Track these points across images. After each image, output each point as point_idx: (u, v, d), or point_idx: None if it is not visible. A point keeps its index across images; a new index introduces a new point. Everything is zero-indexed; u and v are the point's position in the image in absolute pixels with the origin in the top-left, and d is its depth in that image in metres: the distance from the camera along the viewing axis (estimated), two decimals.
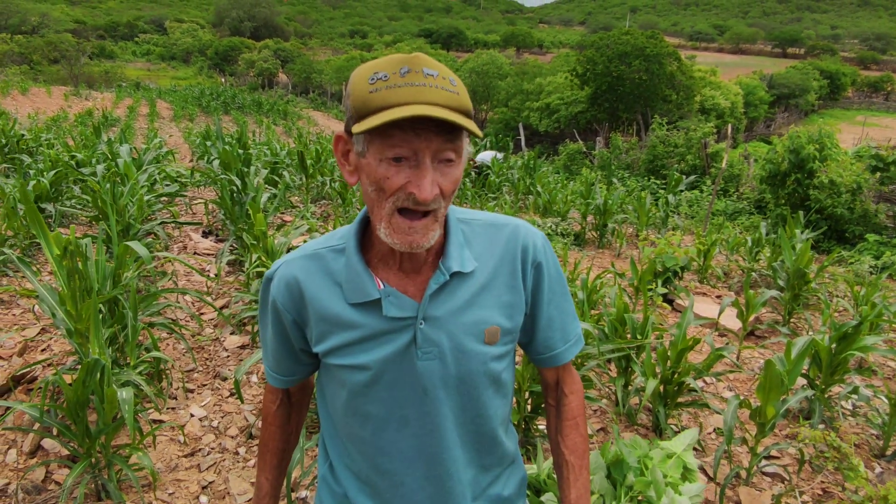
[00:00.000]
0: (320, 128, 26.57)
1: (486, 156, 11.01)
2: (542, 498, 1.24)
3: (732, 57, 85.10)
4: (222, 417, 2.95)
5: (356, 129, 0.87)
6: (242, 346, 3.70)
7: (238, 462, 2.63)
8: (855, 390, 3.15)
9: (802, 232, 6.37)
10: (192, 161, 11.61)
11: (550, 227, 7.88)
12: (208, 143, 8.86)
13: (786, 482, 2.72)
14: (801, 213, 7.13)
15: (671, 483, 1.28)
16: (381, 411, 1.03)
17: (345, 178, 0.97)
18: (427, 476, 1.06)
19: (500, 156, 11.37)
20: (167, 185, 6.03)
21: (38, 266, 4.53)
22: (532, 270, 1.08)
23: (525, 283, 1.08)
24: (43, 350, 3.41)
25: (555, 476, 1.29)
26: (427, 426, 1.04)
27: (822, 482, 2.74)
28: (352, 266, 1.01)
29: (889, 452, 3.05)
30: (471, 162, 11.60)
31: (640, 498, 1.24)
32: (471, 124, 0.87)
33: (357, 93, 0.88)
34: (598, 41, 26.97)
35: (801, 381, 3.59)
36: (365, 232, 1.06)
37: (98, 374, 2.14)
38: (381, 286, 1.00)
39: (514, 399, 2.70)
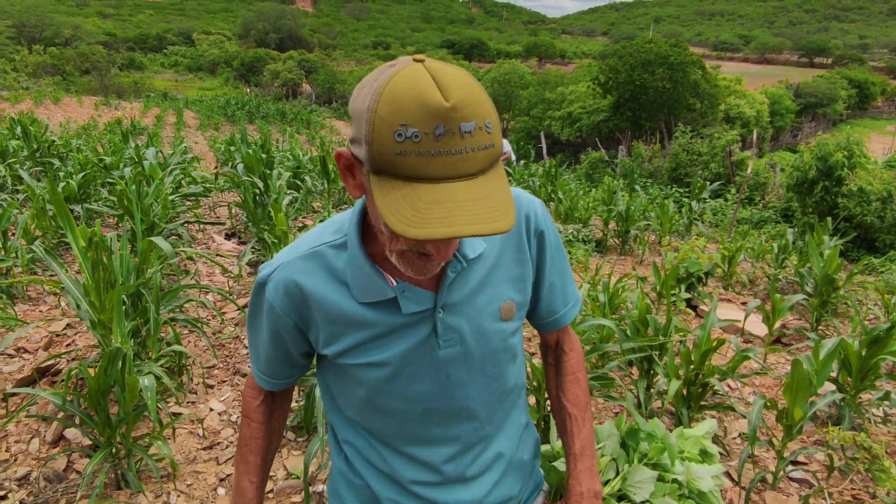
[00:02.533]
0: (342, 137, 26.82)
1: (505, 145, 11.28)
2: (555, 463, 1.24)
3: (758, 67, 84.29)
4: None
5: (377, 194, 0.76)
6: None
7: None
8: (886, 396, 3.05)
9: (831, 238, 6.25)
10: (216, 167, 11.78)
11: (572, 233, 7.83)
12: (232, 149, 8.98)
13: (814, 487, 2.64)
14: (829, 219, 6.98)
15: (689, 458, 1.26)
16: (404, 404, 1.02)
17: (347, 190, 0.88)
18: (455, 454, 1.05)
19: (506, 148, 11.54)
20: (192, 187, 6.11)
21: (66, 265, 4.61)
22: (535, 239, 1.08)
23: (531, 253, 1.07)
24: (68, 345, 3.46)
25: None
26: (452, 409, 1.03)
27: (852, 488, 2.66)
28: (358, 265, 0.95)
29: None
30: None
31: (654, 463, 1.22)
32: (509, 215, 0.76)
33: (379, 141, 0.74)
34: (621, 50, 26.87)
35: (831, 386, 3.50)
36: (364, 223, 0.99)
37: (120, 363, 2.16)
38: (394, 283, 0.95)
39: (535, 398, 2.67)
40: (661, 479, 1.20)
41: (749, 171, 9.09)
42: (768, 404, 2.59)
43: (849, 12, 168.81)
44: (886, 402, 3.17)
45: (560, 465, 1.23)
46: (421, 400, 1.01)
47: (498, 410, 1.09)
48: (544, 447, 1.32)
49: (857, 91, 47.08)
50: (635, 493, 1.18)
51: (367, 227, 0.98)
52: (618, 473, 1.22)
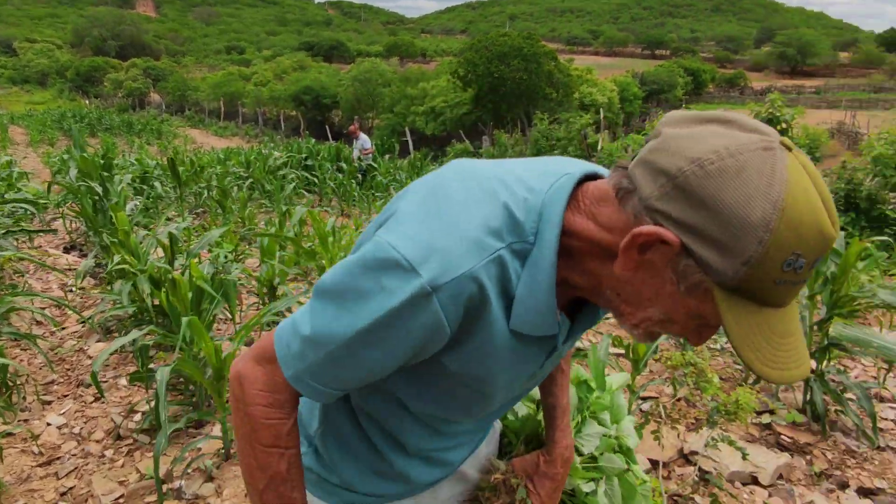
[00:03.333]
0: (199, 144, 25.43)
1: (365, 142, 11.69)
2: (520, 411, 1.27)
3: (607, 59, 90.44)
4: (85, 423, 2.70)
5: (729, 317, 0.65)
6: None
7: (104, 464, 2.41)
8: None
9: None
10: (51, 181, 10.72)
11: None
12: (66, 157, 8.24)
13: (660, 416, 2.87)
14: None
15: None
16: (483, 404, 0.93)
17: (620, 262, 0.70)
18: (480, 427, 1.07)
19: (367, 145, 12.06)
20: (18, 192, 5.52)
21: None
22: None
23: None
24: None
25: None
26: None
27: (679, 397, 2.92)
28: (540, 297, 0.76)
29: (750, 381, 3.31)
30: (360, 159, 11.74)
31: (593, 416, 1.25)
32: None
33: (767, 266, 0.62)
34: (477, 43, 27.74)
35: None
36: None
37: None
38: (559, 317, 0.81)
39: None
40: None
41: (599, 148, 9.73)
42: (615, 342, 2.78)
43: (680, 9, 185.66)
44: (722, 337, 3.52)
45: (521, 408, 1.23)
46: (503, 402, 0.97)
47: None
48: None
49: (692, 78, 51.92)
50: (583, 444, 1.19)
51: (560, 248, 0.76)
52: None
